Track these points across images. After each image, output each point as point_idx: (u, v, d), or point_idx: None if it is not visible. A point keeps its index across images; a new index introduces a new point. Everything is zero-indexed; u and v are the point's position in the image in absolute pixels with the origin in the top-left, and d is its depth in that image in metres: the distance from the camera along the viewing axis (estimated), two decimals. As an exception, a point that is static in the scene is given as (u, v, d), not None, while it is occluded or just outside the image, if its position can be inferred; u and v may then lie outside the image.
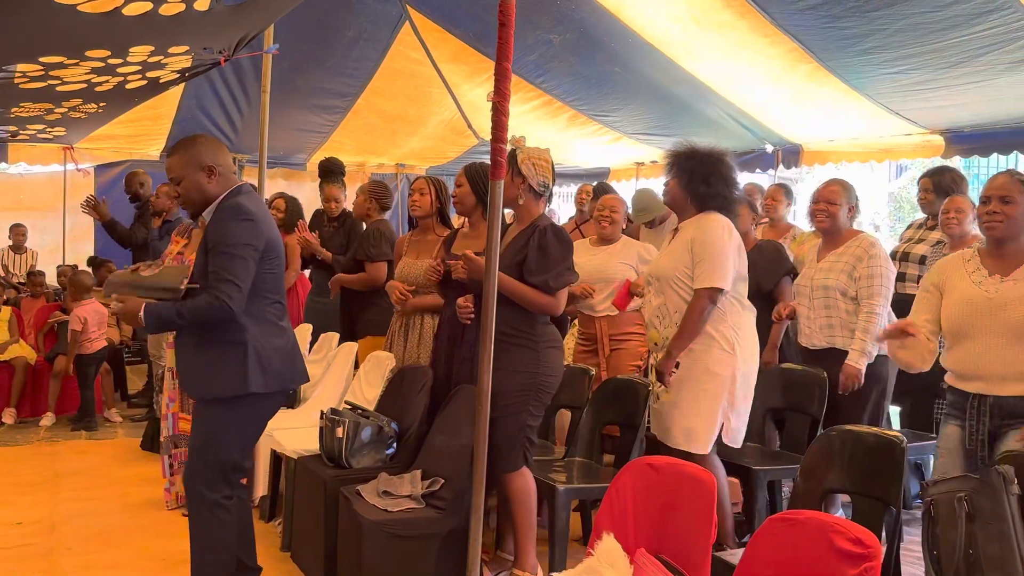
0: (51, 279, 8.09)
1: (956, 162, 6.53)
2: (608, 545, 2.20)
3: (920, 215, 5.30)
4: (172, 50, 4.41)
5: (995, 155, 5.96)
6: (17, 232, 8.49)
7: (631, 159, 8.89)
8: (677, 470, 2.34)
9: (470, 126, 8.85)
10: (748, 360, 3.50)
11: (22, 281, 7.87)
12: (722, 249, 3.40)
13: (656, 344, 3.55)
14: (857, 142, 6.49)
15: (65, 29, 3.62)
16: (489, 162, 2.97)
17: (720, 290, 3.36)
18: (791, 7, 4.99)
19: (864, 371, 3.68)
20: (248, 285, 2.86)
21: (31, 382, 6.45)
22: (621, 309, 4.33)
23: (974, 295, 2.76)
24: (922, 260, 4.70)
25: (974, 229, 4.43)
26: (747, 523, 3.66)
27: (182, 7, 3.50)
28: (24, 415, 6.36)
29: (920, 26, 4.69)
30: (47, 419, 6.25)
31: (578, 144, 8.69)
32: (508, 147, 3.42)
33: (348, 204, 5.78)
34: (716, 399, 3.40)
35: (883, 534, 2.65)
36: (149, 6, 3.38)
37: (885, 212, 17.40)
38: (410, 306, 4.04)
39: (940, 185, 4.95)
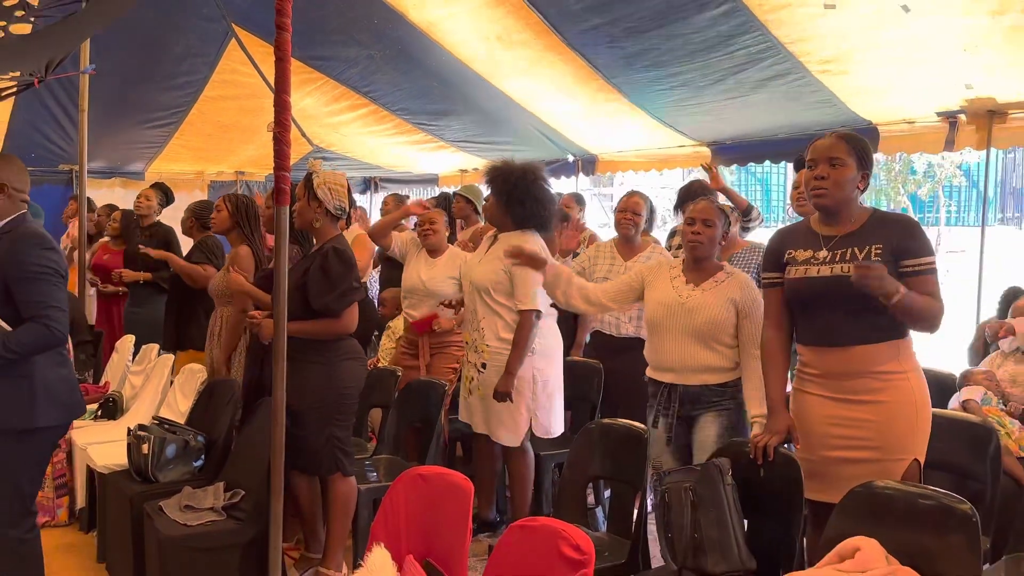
0: None
1: (723, 171, 6.78)
2: (377, 556, 2.14)
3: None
4: (-27, 73, 3.98)
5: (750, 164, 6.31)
6: None
7: (456, 166, 8.80)
8: (443, 479, 2.30)
9: (303, 134, 8.47)
10: (548, 359, 3.54)
11: None
12: (536, 274, 3.30)
13: (467, 343, 3.56)
14: (641, 153, 6.68)
15: None
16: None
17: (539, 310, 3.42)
18: (578, 28, 5.01)
19: None
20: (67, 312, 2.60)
21: None
22: (419, 333, 4.07)
23: (671, 299, 2.91)
24: None
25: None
26: (534, 503, 3.68)
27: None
28: None
29: (686, 45, 4.74)
30: None
31: (407, 151, 8.53)
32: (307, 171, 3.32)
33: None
34: (521, 397, 3.43)
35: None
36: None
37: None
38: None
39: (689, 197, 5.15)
